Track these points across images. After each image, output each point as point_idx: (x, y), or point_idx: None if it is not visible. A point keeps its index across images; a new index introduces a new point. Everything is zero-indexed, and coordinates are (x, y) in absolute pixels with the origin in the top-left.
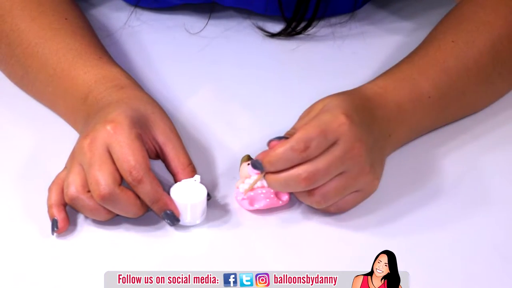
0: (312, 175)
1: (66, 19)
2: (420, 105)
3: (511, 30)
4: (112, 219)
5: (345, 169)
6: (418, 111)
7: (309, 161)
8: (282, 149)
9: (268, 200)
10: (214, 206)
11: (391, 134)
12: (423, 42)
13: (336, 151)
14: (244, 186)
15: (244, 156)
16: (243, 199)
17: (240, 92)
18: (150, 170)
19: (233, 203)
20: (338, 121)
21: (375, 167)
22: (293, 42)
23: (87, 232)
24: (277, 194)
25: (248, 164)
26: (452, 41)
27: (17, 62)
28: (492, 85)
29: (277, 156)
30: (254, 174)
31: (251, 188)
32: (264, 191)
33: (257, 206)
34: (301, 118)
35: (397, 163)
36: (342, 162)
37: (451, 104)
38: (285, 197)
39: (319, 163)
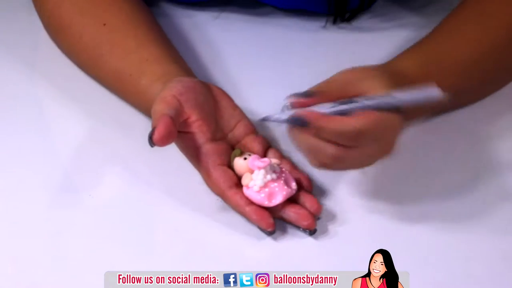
0: (337, 162)
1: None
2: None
3: None
4: (112, 219)
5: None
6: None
7: (342, 146)
8: (338, 127)
9: (284, 192)
10: (214, 205)
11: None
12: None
13: (372, 149)
14: (255, 182)
15: (236, 151)
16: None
17: (241, 90)
18: None
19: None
20: (395, 122)
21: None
22: (295, 39)
23: (87, 232)
24: (286, 182)
25: (245, 158)
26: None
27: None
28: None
29: (329, 129)
30: (258, 169)
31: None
32: (276, 184)
33: (275, 201)
34: (334, 82)
35: (397, 163)
36: (370, 159)
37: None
38: (294, 184)
39: (352, 154)
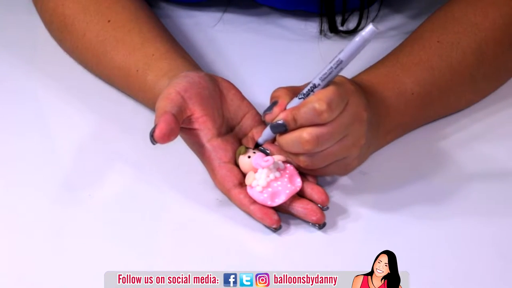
0: (318, 142)
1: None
2: (403, 101)
3: (498, 33)
4: (112, 219)
5: (346, 135)
6: (402, 106)
7: (317, 126)
8: (305, 108)
9: (287, 191)
10: (214, 205)
11: (379, 125)
12: (408, 38)
13: (344, 117)
14: (257, 181)
15: (241, 148)
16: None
17: (241, 90)
18: None
19: (233, 203)
20: (348, 86)
21: (365, 146)
22: (294, 39)
23: (87, 232)
24: (290, 180)
25: (249, 157)
26: (438, 41)
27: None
28: (476, 85)
29: (300, 114)
30: (261, 168)
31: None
32: (279, 182)
33: (278, 201)
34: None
35: (397, 163)
36: (346, 127)
37: (434, 101)
38: (298, 180)
39: (329, 129)
